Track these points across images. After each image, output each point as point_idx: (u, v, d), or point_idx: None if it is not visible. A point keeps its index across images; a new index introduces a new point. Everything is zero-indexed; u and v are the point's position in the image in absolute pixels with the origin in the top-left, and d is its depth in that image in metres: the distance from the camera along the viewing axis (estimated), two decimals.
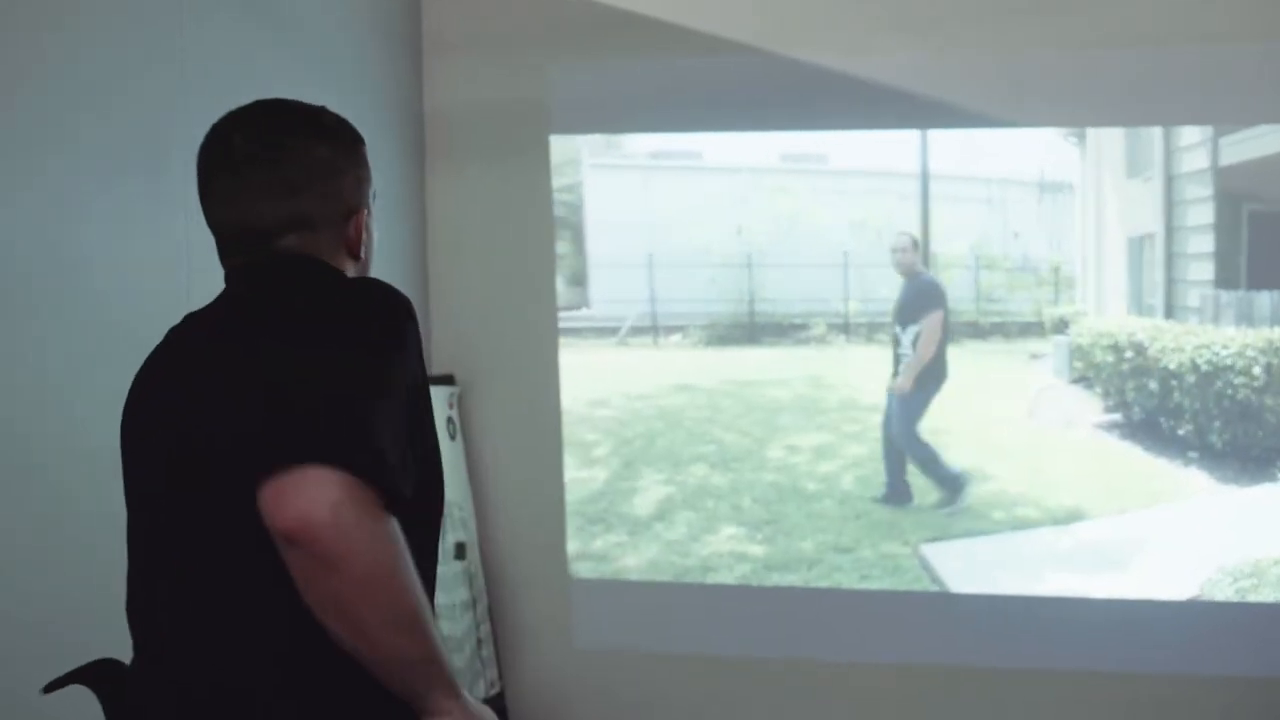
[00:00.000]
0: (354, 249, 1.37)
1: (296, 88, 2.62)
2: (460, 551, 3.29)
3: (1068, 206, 3.51)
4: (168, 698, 1.22)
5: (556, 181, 3.69)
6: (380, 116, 3.17)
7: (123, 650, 1.33)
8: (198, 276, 2.25)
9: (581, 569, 3.61)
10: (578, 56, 3.33)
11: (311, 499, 1.05)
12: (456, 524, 3.31)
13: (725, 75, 3.26)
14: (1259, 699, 3.17)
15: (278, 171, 1.31)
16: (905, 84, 3.21)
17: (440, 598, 2.91)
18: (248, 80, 2.45)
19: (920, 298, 3.47)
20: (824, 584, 3.52)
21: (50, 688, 1.29)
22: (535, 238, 3.52)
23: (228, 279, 1.38)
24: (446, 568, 3.15)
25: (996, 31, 3.23)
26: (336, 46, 3.01)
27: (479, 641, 3.30)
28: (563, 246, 3.88)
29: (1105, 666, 3.26)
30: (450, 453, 3.32)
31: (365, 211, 1.39)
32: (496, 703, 3.33)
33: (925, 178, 3.56)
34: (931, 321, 3.40)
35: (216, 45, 2.47)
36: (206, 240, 2.27)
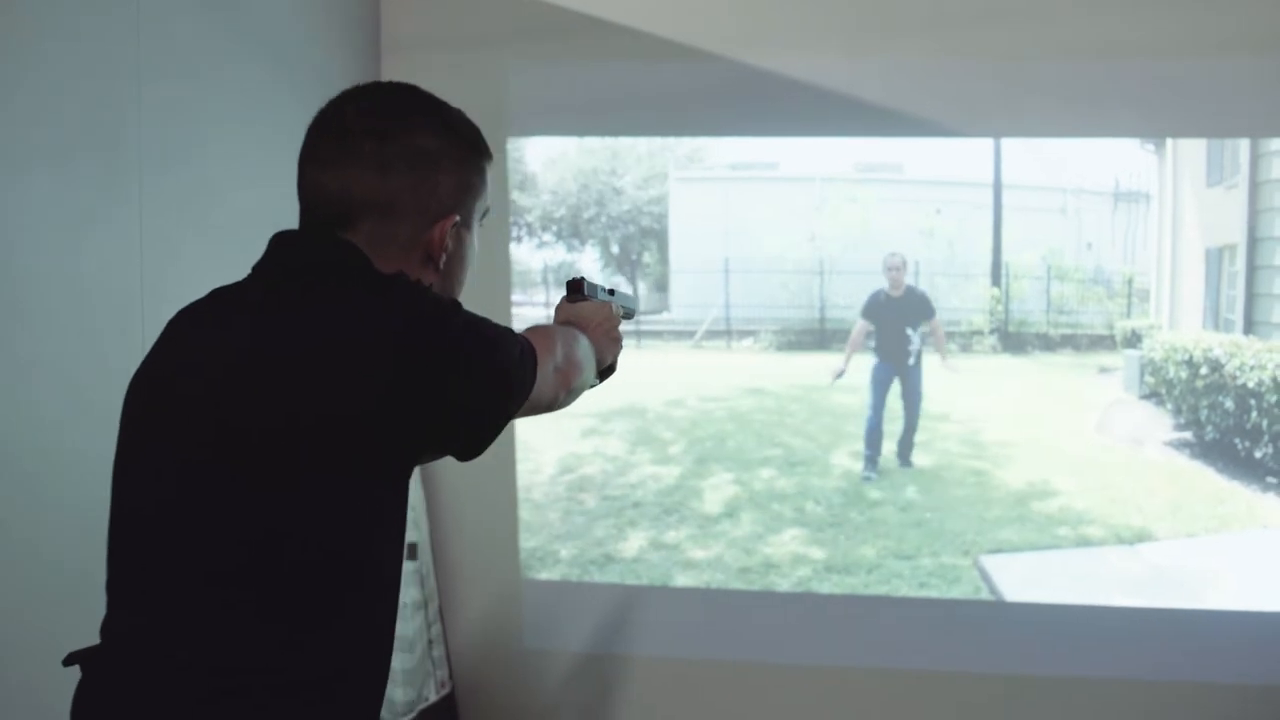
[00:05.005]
0: (434, 254, 1.32)
1: (253, 85, 2.80)
2: (412, 552, 3.24)
3: (1143, 216, 3.39)
4: (155, 680, 1.17)
5: (644, 194, 3.88)
6: None
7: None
8: (150, 271, 2.24)
9: (654, 558, 3.79)
10: (537, 58, 3.30)
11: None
12: (409, 524, 3.27)
13: (688, 79, 3.23)
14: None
15: (378, 148, 1.28)
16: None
17: None
18: (203, 76, 2.52)
19: (924, 304, 3.65)
20: (883, 590, 3.55)
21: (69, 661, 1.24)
22: (493, 240, 3.40)
23: (270, 260, 1.31)
24: None
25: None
26: (294, 44, 2.96)
27: (430, 642, 3.28)
28: (648, 255, 4.09)
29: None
30: None
31: (458, 221, 1.33)
32: (447, 703, 3.34)
33: (998, 187, 3.53)
34: (936, 323, 3.72)
35: (172, 41, 2.42)
36: (160, 233, 2.36)
